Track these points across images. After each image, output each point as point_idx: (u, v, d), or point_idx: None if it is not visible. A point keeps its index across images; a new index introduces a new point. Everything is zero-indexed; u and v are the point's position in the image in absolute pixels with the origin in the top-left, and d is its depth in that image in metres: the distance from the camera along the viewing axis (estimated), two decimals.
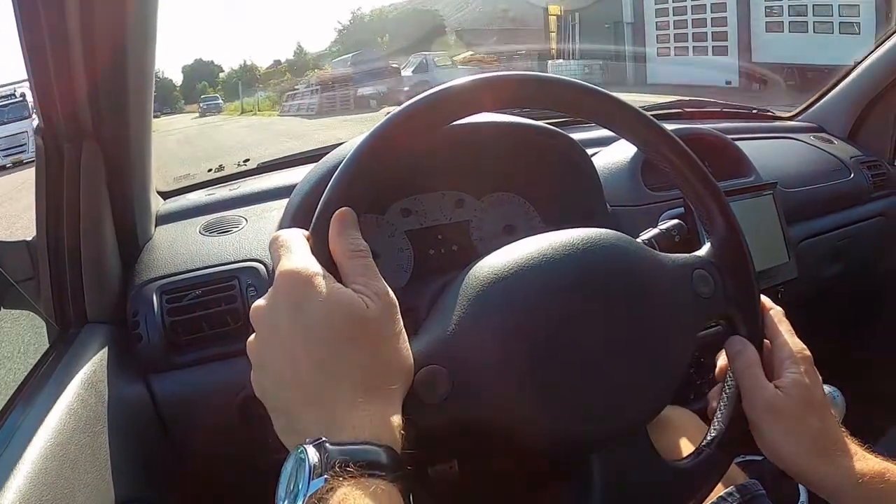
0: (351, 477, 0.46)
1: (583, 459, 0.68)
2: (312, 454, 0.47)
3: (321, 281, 0.55)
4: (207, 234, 1.15)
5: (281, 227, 1.08)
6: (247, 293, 1.02)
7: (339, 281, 0.57)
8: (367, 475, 0.47)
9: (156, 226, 1.20)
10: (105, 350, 0.94)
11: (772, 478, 1.41)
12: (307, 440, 0.48)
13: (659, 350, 0.70)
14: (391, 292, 0.59)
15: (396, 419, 0.53)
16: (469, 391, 0.61)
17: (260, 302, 0.57)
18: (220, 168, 1.59)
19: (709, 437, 0.76)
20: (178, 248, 1.11)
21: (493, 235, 1.13)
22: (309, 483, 0.46)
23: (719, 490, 0.89)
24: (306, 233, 0.61)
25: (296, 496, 0.46)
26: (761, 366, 0.75)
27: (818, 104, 2.29)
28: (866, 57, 2.10)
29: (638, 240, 0.84)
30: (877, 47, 2.05)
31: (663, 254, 0.76)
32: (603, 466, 0.68)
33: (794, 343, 0.77)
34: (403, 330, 0.59)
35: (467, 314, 0.64)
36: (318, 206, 0.62)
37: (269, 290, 0.57)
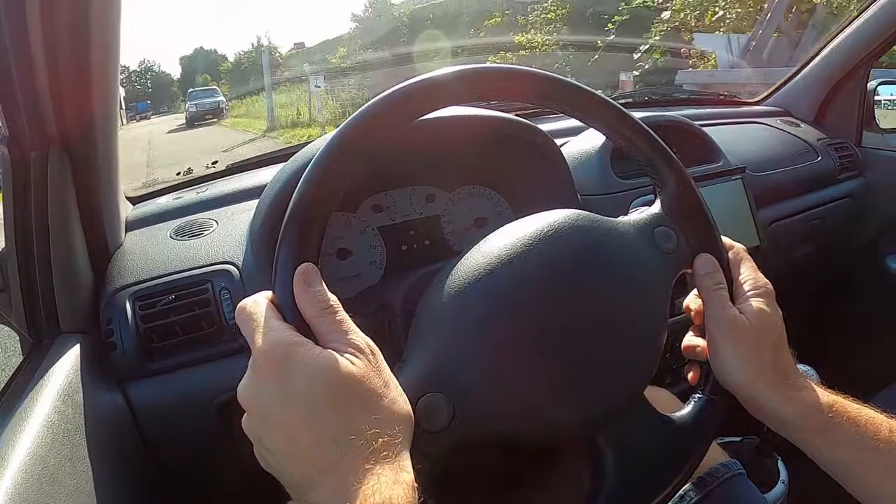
0: None
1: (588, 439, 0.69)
2: None
3: (299, 350, 0.54)
4: (178, 238, 1.14)
5: (252, 228, 1.07)
6: (220, 296, 1.01)
7: (316, 341, 0.56)
8: None
9: (126, 232, 1.18)
10: (80, 360, 0.93)
11: (751, 457, 1.43)
12: None
13: (638, 316, 0.71)
14: (370, 342, 0.58)
15: (408, 476, 0.51)
16: (470, 410, 0.62)
17: (244, 382, 0.56)
18: (189, 171, 1.58)
19: (701, 385, 0.78)
20: (150, 253, 1.10)
21: (465, 229, 1.14)
22: None
23: (700, 470, 0.90)
24: (269, 294, 0.60)
25: None
26: (727, 290, 0.77)
27: (784, 88, 2.32)
28: (831, 40, 2.12)
29: None
30: (840, 30, 2.07)
31: (623, 220, 0.77)
32: (610, 439, 0.69)
33: (756, 277, 0.79)
34: (392, 376, 0.58)
35: (450, 332, 0.65)
36: (287, 213, 0.62)
37: (249, 368, 0.56)
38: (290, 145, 1.64)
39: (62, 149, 0.95)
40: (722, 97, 2.57)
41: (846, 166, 2.03)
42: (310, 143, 1.08)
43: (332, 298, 0.58)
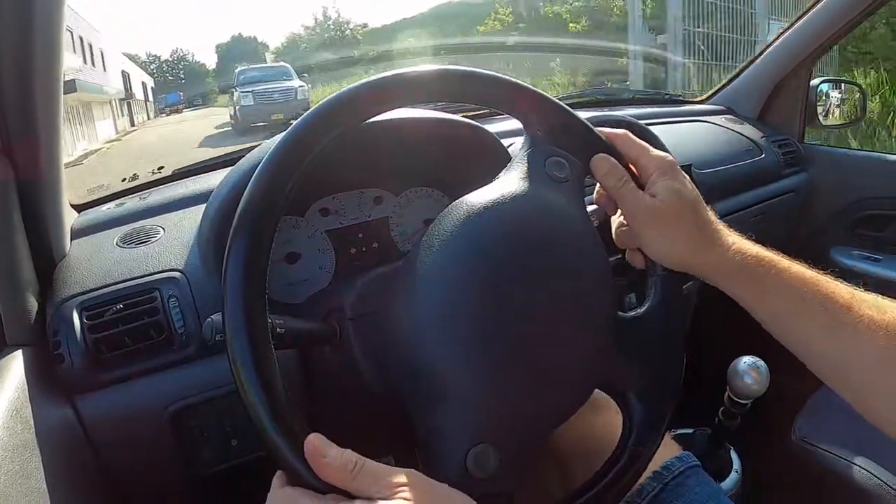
0: None
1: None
2: None
3: None
4: (125, 245, 1.12)
5: (200, 234, 1.06)
6: (169, 304, 1.00)
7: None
8: None
9: (71, 240, 1.16)
10: (27, 374, 0.91)
11: (704, 449, 1.45)
12: None
13: (583, 271, 0.75)
14: (407, 474, 0.57)
15: None
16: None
17: None
18: (135, 177, 1.55)
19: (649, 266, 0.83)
20: (96, 262, 1.08)
21: (414, 231, 1.15)
22: None
23: (654, 465, 0.91)
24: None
25: None
26: (632, 181, 0.80)
27: (728, 87, 2.37)
28: (774, 41, 2.17)
29: None
30: (784, 31, 2.12)
31: (509, 175, 0.78)
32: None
33: (654, 154, 0.82)
34: (437, 484, 0.59)
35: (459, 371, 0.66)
36: (237, 216, 0.62)
37: None
38: (236, 149, 1.60)
39: (4, 156, 0.93)
40: (666, 97, 2.62)
41: (789, 162, 2.09)
42: (256, 146, 1.07)
43: (349, 452, 0.58)
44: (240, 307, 0.59)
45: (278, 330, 0.66)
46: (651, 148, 0.82)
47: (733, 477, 1.46)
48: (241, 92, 17.93)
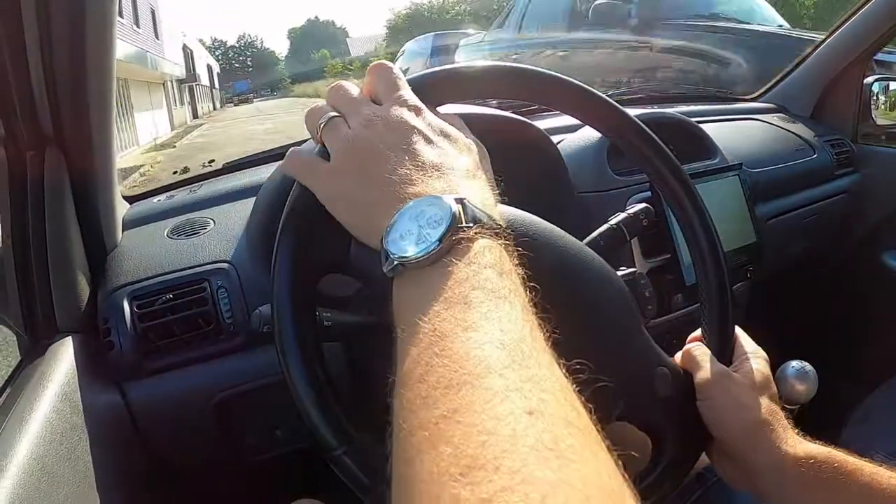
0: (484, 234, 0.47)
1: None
2: (455, 206, 0.47)
3: None
4: (175, 237, 1.14)
5: (249, 226, 1.07)
6: (218, 295, 1.01)
7: None
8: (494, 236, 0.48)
9: (123, 231, 1.18)
10: (77, 360, 0.93)
11: None
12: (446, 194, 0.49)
13: None
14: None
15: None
16: None
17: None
18: (185, 170, 1.57)
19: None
20: (147, 252, 1.10)
21: None
22: (449, 228, 0.46)
23: (698, 466, 0.90)
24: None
25: (426, 240, 0.46)
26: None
27: (780, 85, 2.32)
28: (827, 37, 2.13)
29: (606, 225, 0.85)
30: (837, 28, 2.08)
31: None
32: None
33: (751, 344, 0.80)
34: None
35: None
36: (285, 209, 0.62)
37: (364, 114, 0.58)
38: (285, 144, 1.61)
39: (58, 149, 0.95)
40: (717, 94, 2.57)
41: (842, 162, 2.03)
42: (307, 140, 1.08)
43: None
44: (288, 299, 0.60)
45: (325, 322, 0.66)
46: (749, 339, 0.82)
47: None
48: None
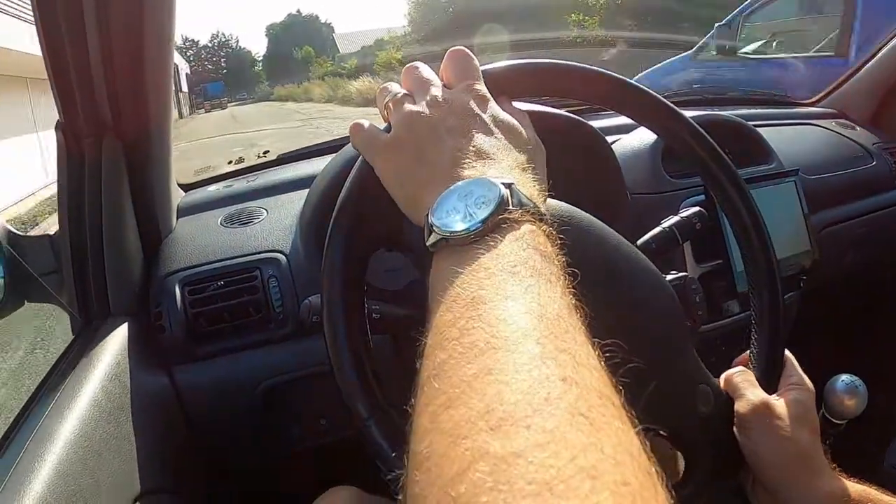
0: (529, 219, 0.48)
1: None
2: (503, 189, 0.48)
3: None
4: (228, 225, 1.15)
5: (302, 217, 1.08)
6: (269, 284, 1.02)
7: None
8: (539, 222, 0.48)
9: (177, 218, 1.20)
10: (128, 342, 0.95)
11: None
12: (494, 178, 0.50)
13: None
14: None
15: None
16: None
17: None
18: (241, 160, 1.59)
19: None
20: (200, 239, 1.11)
21: None
22: (496, 209, 0.47)
23: None
24: None
25: (472, 218, 0.47)
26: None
27: (839, 90, 2.26)
28: (887, 42, 2.07)
29: (658, 228, 0.84)
30: None
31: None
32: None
33: (798, 373, 0.78)
34: None
35: None
36: (338, 203, 0.62)
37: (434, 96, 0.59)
38: (339, 136, 1.63)
39: (116, 136, 0.97)
40: (775, 97, 2.53)
41: None
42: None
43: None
44: (338, 291, 0.60)
45: (374, 315, 0.66)
46: (797, 367, 0.80)
47: None
48: None
